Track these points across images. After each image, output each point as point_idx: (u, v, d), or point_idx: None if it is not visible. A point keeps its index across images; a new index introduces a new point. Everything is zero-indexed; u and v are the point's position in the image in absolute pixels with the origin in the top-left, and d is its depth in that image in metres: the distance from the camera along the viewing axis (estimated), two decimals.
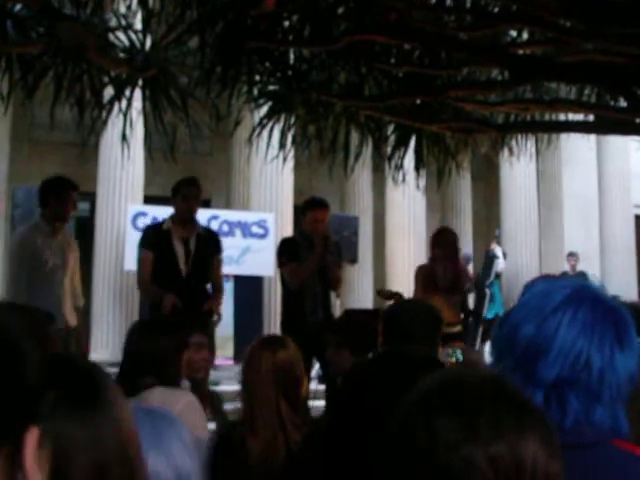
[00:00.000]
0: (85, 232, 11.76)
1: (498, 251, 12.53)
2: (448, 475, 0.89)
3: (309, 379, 4.42)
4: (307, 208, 5.58)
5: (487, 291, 11.59)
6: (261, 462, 2.58)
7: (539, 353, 1.26)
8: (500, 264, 12.29)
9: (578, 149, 13.78)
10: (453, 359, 4.82)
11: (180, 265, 5.19)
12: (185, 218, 5.28)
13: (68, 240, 5.37)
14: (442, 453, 0.89)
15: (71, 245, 5.34)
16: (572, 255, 12.91)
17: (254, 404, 2.67)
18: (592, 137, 13.16)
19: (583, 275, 12.57)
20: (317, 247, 5.38)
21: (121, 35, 4.73)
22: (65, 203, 5.12)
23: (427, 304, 3.37)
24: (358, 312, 6.05)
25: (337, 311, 10.35)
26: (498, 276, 12.20)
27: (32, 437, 0.70)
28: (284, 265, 5.53)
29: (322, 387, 5.15)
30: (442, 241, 6.21)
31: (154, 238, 5.31)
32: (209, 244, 5.40)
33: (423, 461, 0.91)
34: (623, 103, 5.22)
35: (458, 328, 6.01)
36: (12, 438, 0.68)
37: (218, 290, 5.51)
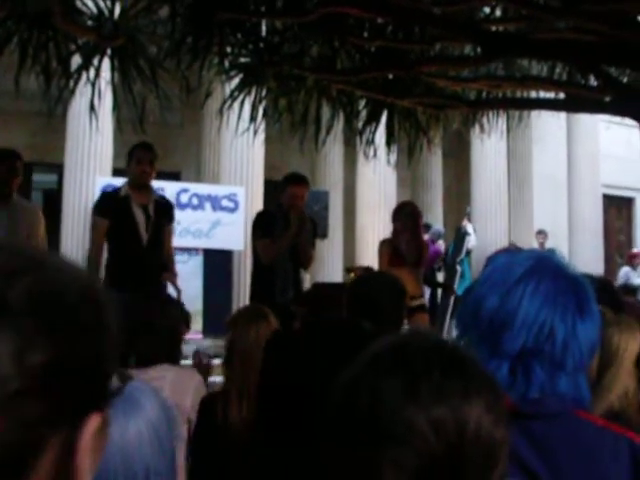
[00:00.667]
0: (52, 204, 11.61)
1: (469, 228, 12.61)
2: (390, 436, 0.89)
3: None
4: (286, 183, 5.49)
5: (458, 268, 11.68)
6: (248, 426, 2.62)
7: (503, 325, 1.27)
8: (471, 241, 12.39)
9: (548, 128, 13.88)
10: None
11: (141, 232, 5.11)
12: (139, 183, 5.13)
13: (23, 211, 5.14)
14: (384, 414, 0.90)
15: (26, 216, 5.12)
16: (541, 233, 13.06)
17: (245, 372, 2.69)
18: (562, 116, 13.26)
19: (553, 252, 12.70)
20: (292, 225, 5.35)
21: (89, 2, 4.63)
22: (6, 173, 4.92)
23: (391, 276, 3.38)
24: (326, 285, 6.06)
25: (307, 285, 10.32)
26: (469, 253, 12.30)
27: (93, 424, 0.63)
28: (258, 239, 5.48)
29: None
30: (401, 214, 6.26)
31: (112, 204, 5.16)
32: (165, 212, 5.33)
33: (366, 422, 0.91)
34: (593, 82, 5.25)
35: (422, 300, 6.11)
36: (72, 420, 0.61)
37: (171, 262, 5.44)
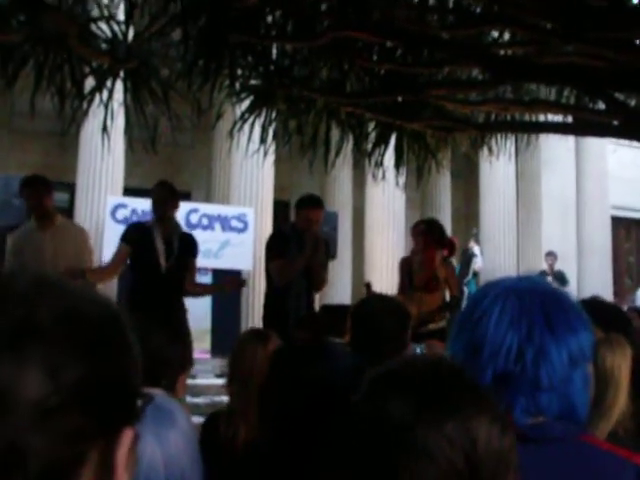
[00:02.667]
0: None
1: (476, 250, 12.62)
2: (407, 454, 0.93)
3: None
4: (301, 206, 5.48)
5: (465, 289, 11.68)
6: (251, 448, 2.65)
7: (475, 356, 1.28)
8: (478, 262, 12.40)
9: (557, 150, 13.92)
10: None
11: (160, 260, 5.27)
12: (165, 217, 5.43)
13: (66, 232, 5.48)
14: (398, 434, 0.93)
15: (71, 236, 5.47)
16: (550, 254, 13.04)
17: (244, 394, 2.73)
18: (571, 138, 13.31)
19: (561, 274, 12.71)
20: (306, 248, 5.34)
21: (103, 26, 4.71)
22: (27, 200, 5.34)
23: (395, 300, 3.37)
24: (334, 307, 6.06)
25: (316, 306, 10.24)
26: (476, 274, 12.30)
27: (127, 439, 0.66)
28: (271, 260, 5.47)
29: None
30: (412, 232, 6.10)
31: (136, 234, 5.40)
32: (189, 247, 5.56)
33: (379, 442, 0.95)
34: (601, 105, 5.29)
35: (441, 325, 5.82)
36: (108, 435, 0.65)
37: (196, 287, 5.73)
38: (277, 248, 5.44)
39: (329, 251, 5.92)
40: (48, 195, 5.32)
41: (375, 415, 0.96)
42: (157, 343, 2.71)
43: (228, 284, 6.19)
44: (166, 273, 5.28)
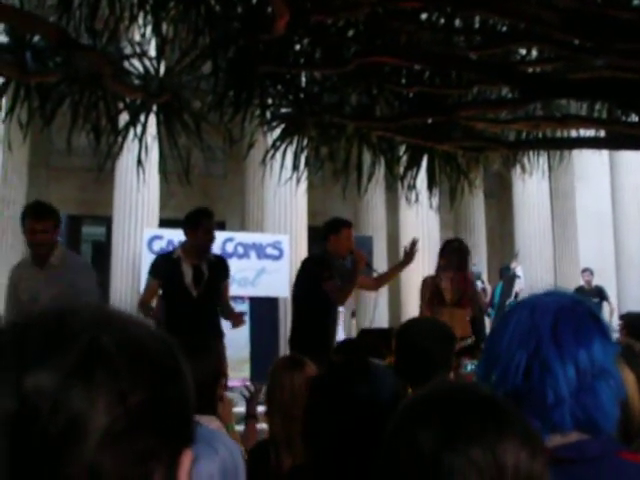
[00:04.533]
0: (101, 256, 11.86)
1: (519, 270, 12.46)
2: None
3: None
4: (340, 227, 5.62)
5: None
6: (297, 474, 2.66)
7: (490, 373, 1.29)
8: (520, 284, 12.25)
9: (590, 164, 13.79)
10: (468, 369, 4.82)
11: (189, 289, 5.32)
12: (205, 250, 5.39)
13: (62, 274, 4.70)
14: (426, 461, 0.94)
15: (65, 280, 4.66)
16: (586, 271, 12.87)
17: (286, 421, 2.74)
18: (604, 152, 13.15)
19: (600, 290, 12.52)
20: (360, 265, 5.49)
21: (136, 62, 4.81)
22: (36, 233, 4.66)
23: (439, 321, 3.40)
24: (373, 331, 6.08)
25: (353, 331, 10.28)
26: (517, 295, 12.13)
27: (187, 459, 0.70)
28: (328, 280, 5.43)
29: None
30: (446, 250, 6.25)
31: (163, 266, 5.45)
32: (220, 269, 5.54)
33: (409, 470, 0.96)
34: (634, 118, 5.24)
35: (468, 342, 5.97)
36: (171, 454, 0.69)
37: (229, 309, 5.62)
38: (328, 269, 5.48)
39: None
40: (58, 232, 4.81)
41: (405, 444, 0.97)
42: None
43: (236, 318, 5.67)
44: (197, 299, 5.31)
